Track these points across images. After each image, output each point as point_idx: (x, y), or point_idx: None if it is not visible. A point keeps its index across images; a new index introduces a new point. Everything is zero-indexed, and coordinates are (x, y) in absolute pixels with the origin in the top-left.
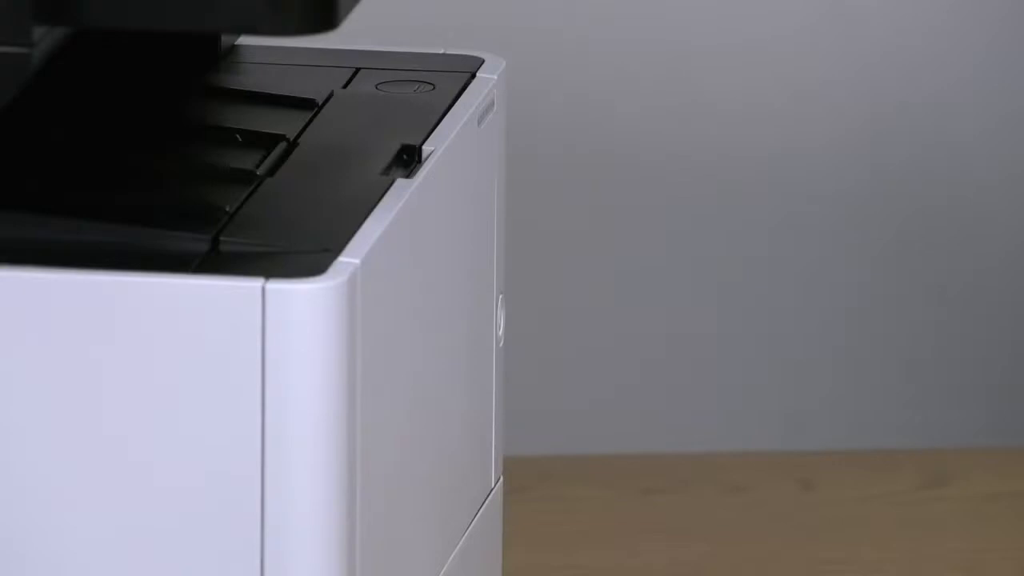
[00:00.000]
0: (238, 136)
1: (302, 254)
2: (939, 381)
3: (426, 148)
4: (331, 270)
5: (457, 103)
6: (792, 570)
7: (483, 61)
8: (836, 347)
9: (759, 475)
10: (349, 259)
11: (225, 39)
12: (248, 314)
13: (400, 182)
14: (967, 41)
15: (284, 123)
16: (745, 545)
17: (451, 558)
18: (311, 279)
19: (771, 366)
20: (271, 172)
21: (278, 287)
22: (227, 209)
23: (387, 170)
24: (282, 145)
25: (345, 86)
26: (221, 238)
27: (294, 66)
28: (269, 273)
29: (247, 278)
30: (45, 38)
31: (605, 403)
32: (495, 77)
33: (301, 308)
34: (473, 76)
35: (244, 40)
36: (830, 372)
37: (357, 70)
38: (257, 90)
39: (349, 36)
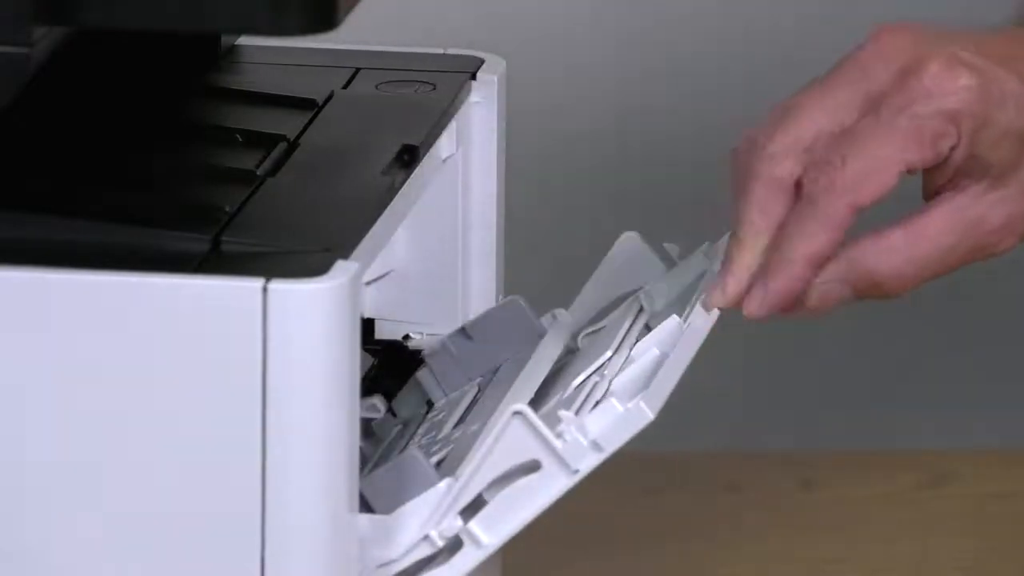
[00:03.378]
0: (238, 136)
1: (303, 254)
2: (939, 381)
3: (426, 148)
4: (333, 270)
5: (456, 103)
6: (792, 570)
7: (483, 61)
8: (836, 347)
9: (759, 475)
10: (351, 259)
11: (225, 39)
12: (249, 314)
13: (401, 182)
14: None
15: (284, 123)
16: (745, 545)
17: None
18: (313, 279)
19: (771, 366)
20: (271, 172)
21: (279, 287)
22: (227, 209)
23: (387, 170)
24: (282, 145)
25: (345, 86)
26: (222, 238)
27: (294, 66)
28: (270, 273)
29: (248, 278)
30: (45, 38)
31: None
32: (495, 77)
33: (303, 308)
34: (473, 76)
35: (244, 40)
36: (830, 372)
37: (357, 70)
38: (257, 90)
39: (349, 36)
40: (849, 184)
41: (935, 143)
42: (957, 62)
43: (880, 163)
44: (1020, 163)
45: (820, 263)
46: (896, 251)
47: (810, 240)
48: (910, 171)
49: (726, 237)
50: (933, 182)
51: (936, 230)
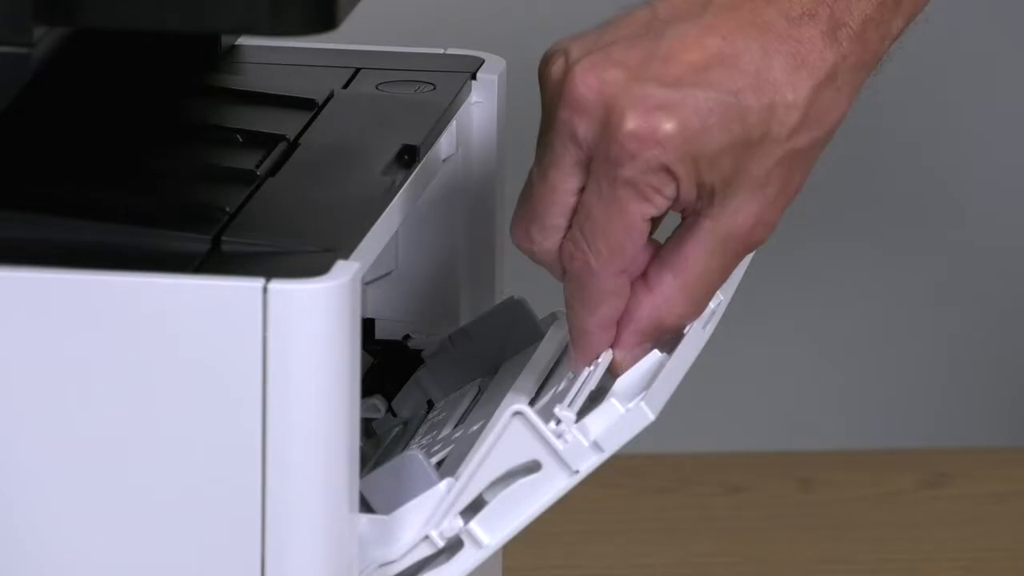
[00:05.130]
0: (238, 136)
1: (304, 254)
2: (939, 381)
3: (426, 148)
4: (333, 270)
5: (456, 103)
6: (792, 570)
7: (483, 61)
8: (836, 347)
9: (759, 475)
10: (351, 259)
11: (225, 39)
12: (249, 314)
13: (401, 182)
14: (969, 38)
15: (284, 123)
16: (745, 545)
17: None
18: (313, 279)
19: (771, 366)
20: (272, 172)
21: (280, 287)
22: (227, 209)
23: (387, 170)
24: (282, 145)
25: (345, 86)
26: (222, 238)
27: (294, 66)
28: (271, 273)
29: (248, 278)
30: (45, 38)
31: None
32: (495, 77)
33: (303, 308)
34: (473, 76)
35: (244, 40)
36: (830, 372)
37: (357, 70)
38: (257, 90)
39: (349, 36)
40: (603, 260)
41: (660, 193)
42: (652, 108)
43: (621, 233)
44: (741, 166)
45: (614, 322)
46: (672, 297)
47: (594, 312)
48: (655, 218)
49: None
50: (679, 210)
51: (697, 261)
